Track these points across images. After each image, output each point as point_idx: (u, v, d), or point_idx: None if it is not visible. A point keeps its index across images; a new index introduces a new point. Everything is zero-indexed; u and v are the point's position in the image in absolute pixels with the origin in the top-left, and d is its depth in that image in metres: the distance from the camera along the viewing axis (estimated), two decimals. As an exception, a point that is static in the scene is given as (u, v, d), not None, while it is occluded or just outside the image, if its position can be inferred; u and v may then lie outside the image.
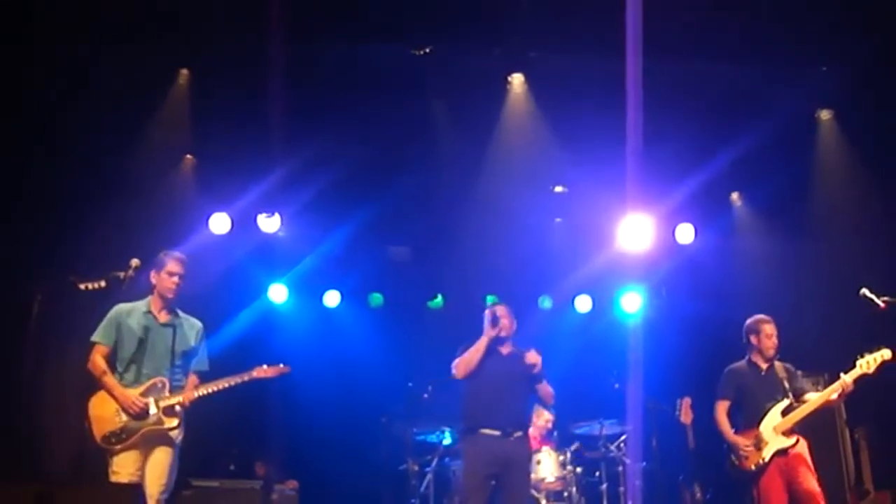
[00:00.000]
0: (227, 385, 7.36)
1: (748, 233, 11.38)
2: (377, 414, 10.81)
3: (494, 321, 7.65)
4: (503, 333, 7.74)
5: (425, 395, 9.74)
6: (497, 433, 7.42)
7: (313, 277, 11.66)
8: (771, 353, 8.33)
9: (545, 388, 7.70)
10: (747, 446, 8.06)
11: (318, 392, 10.69)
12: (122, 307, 7.42)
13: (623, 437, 10.31)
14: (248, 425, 10.34)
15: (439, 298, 11.91)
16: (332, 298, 12.06)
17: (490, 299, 10.74)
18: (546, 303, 12.25)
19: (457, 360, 7.61)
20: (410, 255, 11.78)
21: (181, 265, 7.43)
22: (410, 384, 10.09)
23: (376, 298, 12.15)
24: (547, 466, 9.75)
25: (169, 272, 7.41)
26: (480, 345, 7.62)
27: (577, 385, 10.50)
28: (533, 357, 7.47)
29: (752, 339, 8.34)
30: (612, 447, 10.30)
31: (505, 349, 7.77)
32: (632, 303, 11.96)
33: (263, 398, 9.44)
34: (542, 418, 10.30)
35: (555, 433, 10.40)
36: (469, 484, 7.44)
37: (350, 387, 11.15)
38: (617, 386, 10.21)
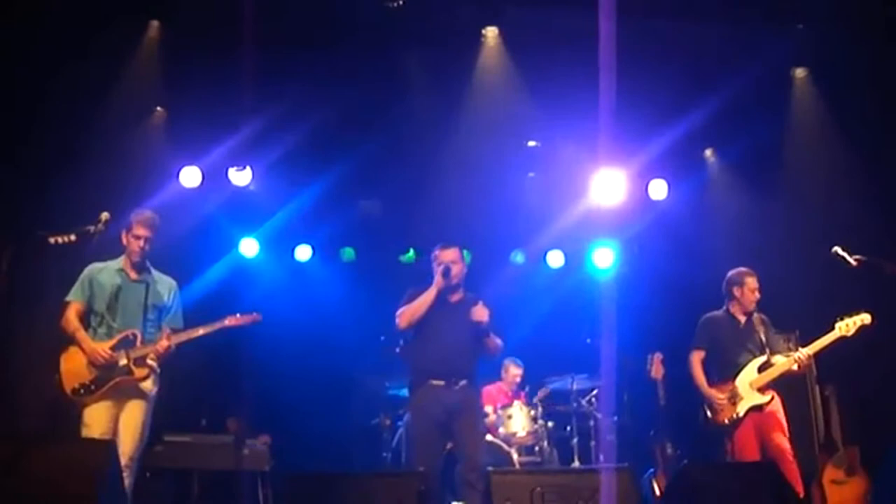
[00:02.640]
0: (200, 333, 7.42)
1: (721, 190, 11.36)
2: (349, 368, 10.91)
3: (446, 273, 7.44)
4: (454, 281, 7.57)
5: (397, 350, 9.68)
6: (442, 383, 7.35)
7: (285, 231, 11.56)
8: (752, 307, 8.36)
9: (492, 342, 7.52)
10: (721, 399, 8.13)
11: (289, 347, 10.68)
12: (94, 266, 7.48)
13: (594, 392, 10.48)
14: (219, 380, 10.31)
15: (411, 253, 11.82)
16: (303, 253, 11.93)
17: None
18: (519, 257, 12.19)
19: (401, 310, 7.42)
20: (382, 210, 11.67)
21: (147, 227, 7.46)
22: (383, 338, 10.03)
23: (348, 253, 12.04)
24: (518, 421, 9.90)
25: (135, 235, 7.47)
26: (428, 296, 7.43)
27: (549, 340, 10.86)
28: (479, 313, 7.34)
29: (735, 290, 8.35)
30: (584, 402, 10.44)
31: (454, 297, 7.62)
32: (604, 258, 11.88)
33: (235, 353, 9.49)
34: (511, 372, 10.61)
35: (526, 387, 10.61)
36: (417, 434, 7.47)
37: (322, 342, 11.10)
38: (589, 341, 10.31)
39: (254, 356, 9.92)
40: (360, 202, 11.63)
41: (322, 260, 12.00)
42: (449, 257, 7.53)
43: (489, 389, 10.30)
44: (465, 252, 7.41)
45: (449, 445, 7.62)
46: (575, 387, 10.39)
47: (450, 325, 7.38)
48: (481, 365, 7.66)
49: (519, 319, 9.94)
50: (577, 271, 12.09)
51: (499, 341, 7.47)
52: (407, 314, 7.39)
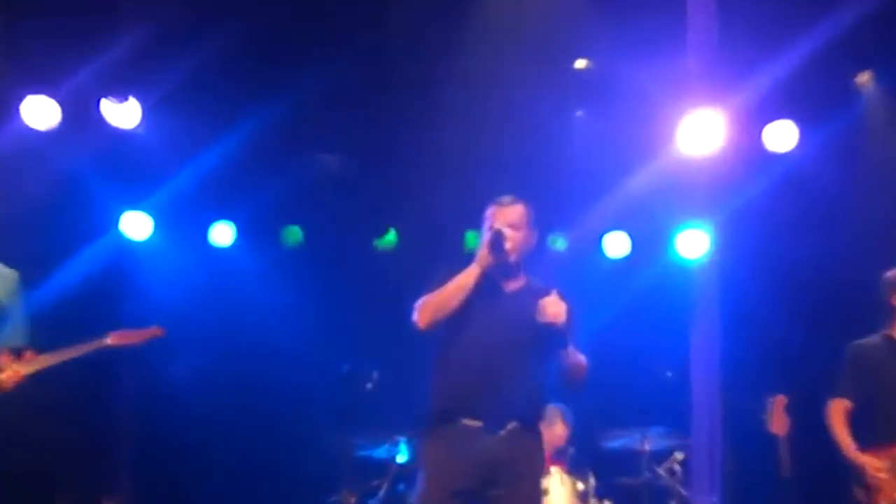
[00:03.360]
0: (62, 359, 7.31)
1: (883, 135, 10.69)
2: (295, 415, 10.77)
3: (496, 243, 6.70)
4: (511, 257, 6.81)
5: (369, 386, 9.57)
6: (479, 423, 6.68)
7: (193, 201, 11.11)
8: None
9: (572, 358, 6.79)
10: (880, 472, 7.90)
11: (201, 381, 10.66)
12: None
13: (678, 457, 9.91)
14: (85, 435, 10.07)
15: (391, 235, 11.42)
16: (222, 234, 11.45)
17: (471, 239, 10.49)
18: (558, 243, 11.56)
19: (424, 298, 6.77)
20: (346, 167, 11.29)
21: None
22: (347, 368, 9.85)
23: (293, 234, 11.56)
24: (558, 498, 9.28)
25: None
26: (467, 277, 6.70)
27: (607, 372, 9.20)
28: (552, 310, 6.55)
29: None
30: (662, 471, 9.92)
31: (511, 283, 6.92)
32: (693, 244, 11.21)
33: (114, 389, 9.78)
34: (556, 428, 9.85)
35: (570, 450, 9.98)
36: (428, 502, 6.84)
37: (252, 372, 10.99)
38: (670, 375, 10.03)
39: (145, 394, 10.17)
40: (314, 157, 11.27)
41: (252, 245, 11.59)
42: (508, 218, 6.80)
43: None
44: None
45: None
46: (647, 447, 9.86)
47: (503, 330, 6.75)
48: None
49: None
50: (651, 264, 11.49)
51: (582, 358, 6.82)
52: (431, 305, 6.72)
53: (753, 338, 10.66)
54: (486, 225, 6.87)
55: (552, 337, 6.71)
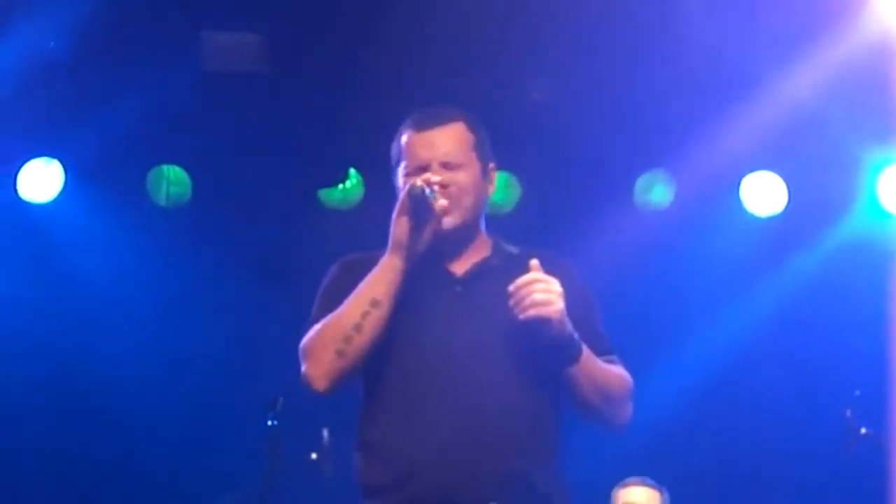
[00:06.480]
0: None
1: None
2: (173, 473, 9.06)
3: (419, 200, 4.76)
4: (453, 221, 4.82)
5: (313, 457, 6.51)
6: None
7: None
8: None
9: (591, 372, 4.70)
10: None
11: (21, 412, 9.14)
12: None
13: None
14: None
15: (353, 178, 9.25)
16: (41, 180, 9.17)
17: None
18: (656, 192, 9.25)
19: (310, 338, 4.74)
20: (266, 63, 8.83)
21: None
22: (273, 421, 6.55)
23: (174, 179, 9.28)
24: None
25: None
26: (382, 281, 4.84)
27: (745, 418, 9.00)
28: (535, 288, 4.56)
29: None
30: None
31: (463, 262, 4.94)
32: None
33: None
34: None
35: None
36: None
37: (105, 425, 9.15)
38: (864, 431, 7.60)
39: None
40: (203, 35, 8.71)
41: (91, 200, 9.34)
42: (435, 151, 4.83)
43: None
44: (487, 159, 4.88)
45: None
46: None
47: (461, 339, 4.75)
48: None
49: (658, 361, 8.21)
50: (824, 226, 9.20)
51: (618, 371, 4.81)
52: (327, 347, 4.77)
53: None
54: (400, 170, 4.88)
55: (549, 341, 4.64)
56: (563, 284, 4.58)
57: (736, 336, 9.15)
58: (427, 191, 4.73)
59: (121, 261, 9.21)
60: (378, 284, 4.81)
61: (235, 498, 8.03)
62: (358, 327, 4.79)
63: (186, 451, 8.86)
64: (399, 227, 4.75)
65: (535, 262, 4.59)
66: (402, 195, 4.78)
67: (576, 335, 4.62)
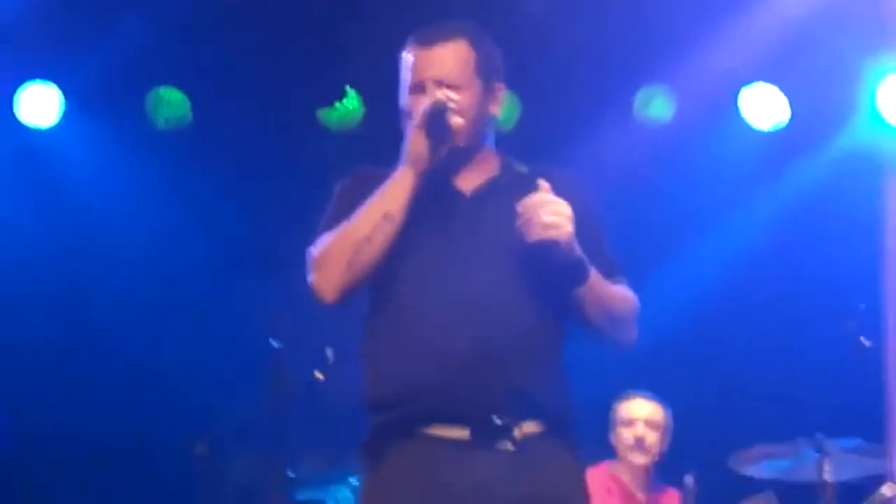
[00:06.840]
0: None
1: None
2: (182, 431, 8.74)
3: (434, 119, 4.77)
4: (463, 138, 4.89)
5: (318, 375, 7.42)
6: (462, 433, 4.64)
7: None
8: None
9: (599, 292, 4.77)
10: None
11: (28, 365, 9.13)
12: None
13: (889, 493, 7.89)
14: None
15: (353, 100, 9.34)
16: (39, 103, 9.26)
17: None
18: (656, 106, 9.28)
19: (319, 248, 4.80)
20: None
21: None
22: (277, 344, 7.50)
23: (172, 102, 9.38)
24: None
25: None
26: (395, 192, 4.89)
27: (747, 335, 9.01)
28: (544, 209, 4.63)
29: None
30: None
31: (472, 179, 5.04)
32: None
33: None
34: (635, 425, 8.09)
35: (691, 481, 7.85)
36: None
37: (108, 353, 9.21)
38: (868, 343, 7.94)
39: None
40: None
41: (94, 125, 9.37)
42: (441, 69, 4.87)
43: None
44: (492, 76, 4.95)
45: None
46: (829, 476, 7.90)
47: (469, 256, 4.88)
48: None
49: (658, 276, 8.22)
50: (826, 138, 9.21)
51: (625, 292, 4.88)
52: (337, 256, 4.86)
53: None
54: (407, 84, 4.87)
55: (557, 264, 4.73)
56: (573, 206, 4.64)
57: (737, 249, 9.28)
58: (445, 107, 4.83)
59: (121, 183, 9.29)
60: (391, 198, 4.87)
61: (242, 418, 8.39)
62: (369, 239, 4.85)
63: (191, 373, 9.00)
64: (416, 142, 4.81)
65: (544, 184, 4.66)
66: (421, 110, 4.82)
67: (584, 258, 4.70)
